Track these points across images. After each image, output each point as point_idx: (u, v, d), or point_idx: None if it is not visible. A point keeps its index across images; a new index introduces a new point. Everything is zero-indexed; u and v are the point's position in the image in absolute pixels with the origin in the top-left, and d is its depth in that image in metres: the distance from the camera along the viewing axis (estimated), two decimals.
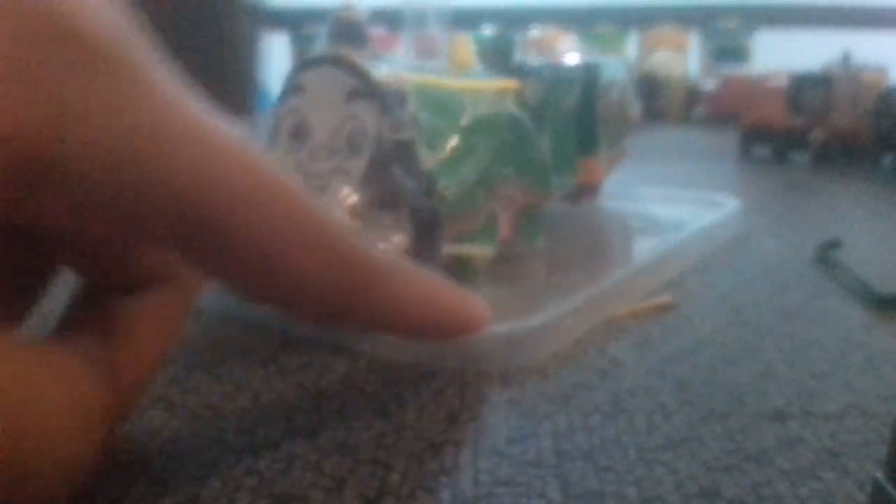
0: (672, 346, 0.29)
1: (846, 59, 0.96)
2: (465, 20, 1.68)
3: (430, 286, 0.21)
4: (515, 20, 1.68)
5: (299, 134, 0.29)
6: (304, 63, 0.31)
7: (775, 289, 0.37)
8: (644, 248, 0.41)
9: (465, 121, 0.32)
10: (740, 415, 0.23)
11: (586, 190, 0.42)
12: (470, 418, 0.23)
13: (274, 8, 2.48)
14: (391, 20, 1.97)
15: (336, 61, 0.29)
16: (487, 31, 1.47)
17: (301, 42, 2.20)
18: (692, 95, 1.62)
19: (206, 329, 0.32)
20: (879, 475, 0.16)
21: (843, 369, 0.27)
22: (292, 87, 0.31)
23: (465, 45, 1.25)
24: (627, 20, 1.77)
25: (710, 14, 2.10)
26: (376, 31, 2.11)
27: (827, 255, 0.42)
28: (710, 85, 1.56)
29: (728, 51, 1.99)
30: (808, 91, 0.90)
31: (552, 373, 0.27)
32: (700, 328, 0.31)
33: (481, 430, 0.23)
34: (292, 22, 2.36)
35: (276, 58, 2.46)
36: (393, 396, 0.25)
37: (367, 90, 0.29)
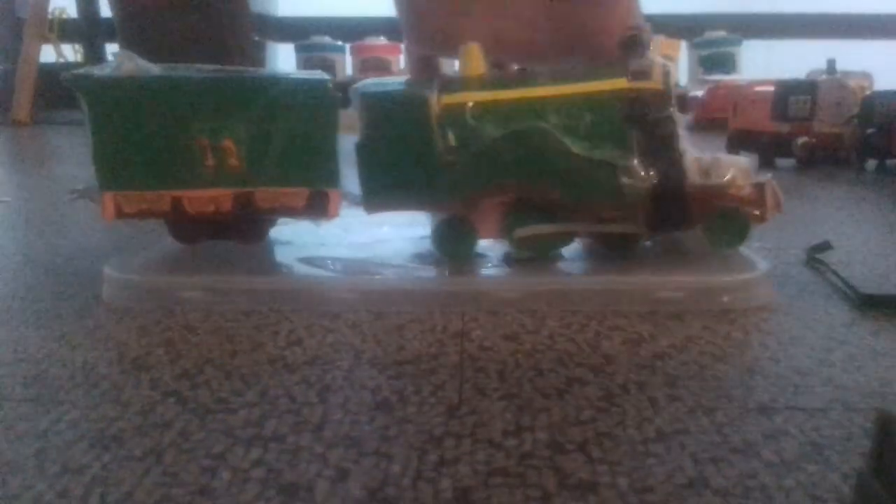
0: (662, 342, 0.30)
1: (831, 66, 0.97)
2: None
3: None
4: None
5: None
6: None
7: None
8: None
9: None
10: (727, 409, 0.24)
11: None
12: (469, 412, 0.24)
13: (280, 19, 2.49)
14: (392, 31, 1.98)
15: None
16: None
17: (305, 51, 2.21)
18: (681, 102, 1.63)
19: (216, 327, 0.32)
20: (864, 468, 0.16)
21: (826, 365, 0.28)
22: None
23: None
24: None
25: (699, 24, 2.11)
26: (378, 42, 2.11)
27: (816, 257, 0.43)
28: (698, 92, 1.58)
29: (717, 60, 2.01)
30: (793, 98, 0.91)
31: (547, 369, 0.27)
32: (689, 325, 0.32)
33: (479, 424, 0.23)
34: (297, 32, 2.37)
35: (282, 66, 2.47)
36: (395, 391, 0.26)
37: None
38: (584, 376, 0.27)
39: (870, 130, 0.87)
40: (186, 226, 0.40)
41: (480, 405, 0.25)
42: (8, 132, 1.77)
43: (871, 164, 0.91)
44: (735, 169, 0.38)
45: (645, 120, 0.36)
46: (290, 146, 0.37)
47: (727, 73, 1.90)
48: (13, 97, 1.94)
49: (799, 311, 0.34)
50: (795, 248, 0.46)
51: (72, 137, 1.57)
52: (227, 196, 0.37)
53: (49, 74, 2.05)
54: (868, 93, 0.93)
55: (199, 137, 0.37)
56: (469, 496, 0.19)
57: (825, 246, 0.44)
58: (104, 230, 0.55)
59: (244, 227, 0.40)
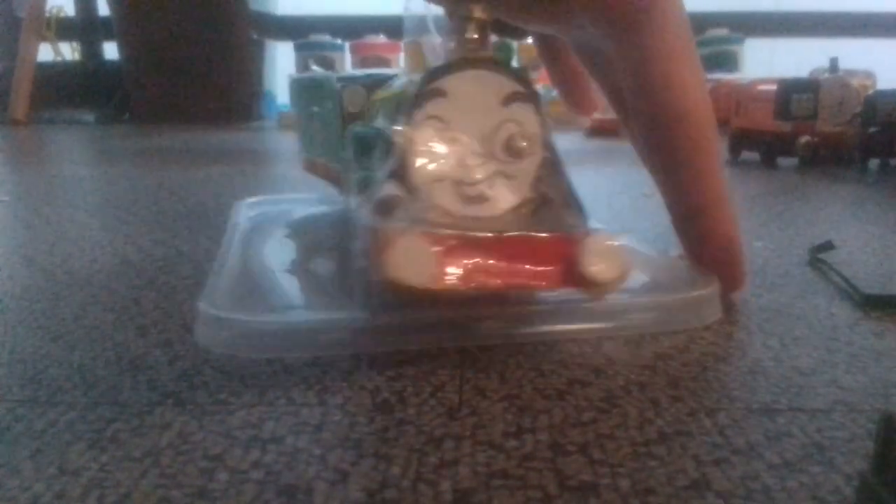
0: (664, 343, 0.30)
1: (833, 65, 0.97)
2: None
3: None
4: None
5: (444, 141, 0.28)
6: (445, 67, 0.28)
7: (764, 288, 0.38)
8: None
9: None
10: (730, 410, 0.24)
11: None
12: (468, 413, 0.24)
13: (279, 17, 2.50)
14: (391, 29, 1.98)
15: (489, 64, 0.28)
16: None
17: (305, 49, 2.21)
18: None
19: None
20: (866, 469, 0.16)
21: (829, 366, 0.28)
22: (431, 92, 0.28)
23: None
24: None
25: (701, 23, 2.12)
26: (377, 40, 2.11)
27: (818, 257, 0.43)
28: None
29: (719, 58, 2.01)
30: (796, 97, 0.91)
31: (547, 370, 0.27)
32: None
33: (479, 425, 0.23)
34: (297, 30, 2.37)
35: (281, 65, 2.47)
36: (394, 392, 0.26)
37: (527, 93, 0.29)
38: (585, 377, 0.27)
39: (873, 129, 0.87)
40: None
41: (481, 406, 0.24)
42: (5, 131, 1.78)
43: (874, 163, 0.90)
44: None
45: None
46: (320, 129, 0.49)
47: (729, 71, 1.89)
48: (10, 96, 1.95)
49: (801, 312, 0.34)
50: (798, 248, 0.46)
51: (69, 137, 1.57)
52: (323, 163, 0.51)
53: (46, 73, 2.05)
54: (871, 91, 0.93)
55: (313, 119, 0.51)
56: (469, 498, 0.19)
57: (828, 246, 0.44)
58: (103, 230, 0.55)
59: None
